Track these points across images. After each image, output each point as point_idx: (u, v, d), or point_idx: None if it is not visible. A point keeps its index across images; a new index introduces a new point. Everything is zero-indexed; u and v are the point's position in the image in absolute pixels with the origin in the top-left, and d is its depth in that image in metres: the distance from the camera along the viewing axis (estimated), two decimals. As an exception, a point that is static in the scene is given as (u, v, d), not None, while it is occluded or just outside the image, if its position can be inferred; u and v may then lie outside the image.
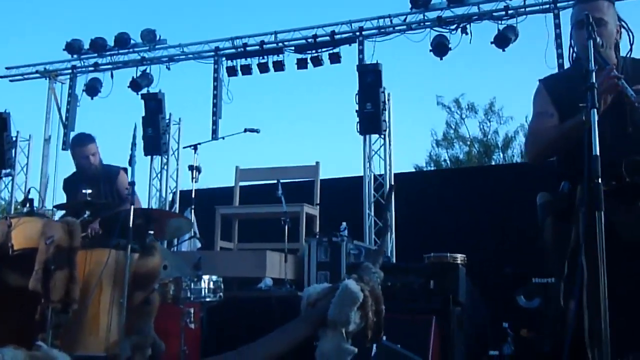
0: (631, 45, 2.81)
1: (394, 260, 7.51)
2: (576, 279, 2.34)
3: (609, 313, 2.11)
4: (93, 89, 10.48)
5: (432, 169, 30.34)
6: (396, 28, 9.00)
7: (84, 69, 10.70)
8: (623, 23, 2.81)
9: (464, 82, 41.41)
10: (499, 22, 8.43)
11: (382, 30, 9.04)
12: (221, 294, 4.43)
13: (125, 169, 5.18)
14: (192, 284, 4.24)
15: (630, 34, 2.80)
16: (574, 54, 2.92)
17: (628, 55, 2.82)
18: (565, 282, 2.56)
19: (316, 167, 7.62)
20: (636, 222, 2.48)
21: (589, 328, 2.36)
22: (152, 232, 3.92)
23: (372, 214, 8.42)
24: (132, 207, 3.70)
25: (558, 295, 2.60)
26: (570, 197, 2.64)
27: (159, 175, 10.18)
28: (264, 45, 9.59)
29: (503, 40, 8.35)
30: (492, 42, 8.41)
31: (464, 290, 4.92)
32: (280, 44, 9.57)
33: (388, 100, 8.56)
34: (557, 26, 8.10)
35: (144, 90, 10.13)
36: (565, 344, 2.29)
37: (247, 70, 9.65)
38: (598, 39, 2.46)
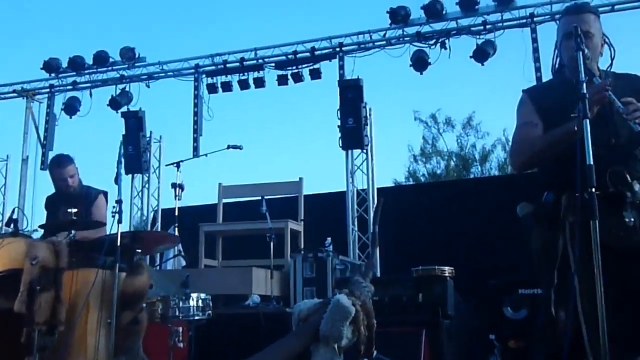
0: (612, 59, 2.86)
1: (379, 275, 7.50)
2: (570, 288, 2.35)
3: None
4: (71, 107, 10.38)
5: (412, 183, 30.47)
6: (376, 43, 9.05)
7: (62, 88, 10.61)
8: (606, 38, 2.86)
9: (442, 96, 41.76)
10: (478, 36, 8.52)
11: (362, 45, 9.08)
12: (210, 311, 4.40)
13: (104, 193, 5.14)
14: (181, 302, 4.20)
15: (611, 48, 2.85)
16: (557, 65, 2.95)
17: (608, 69, 2.86)
18: (555, 292, 2.57)
19: (299, 182, 7.61)
20: (621, 230, 2.50)
21: (587, 336, 2.37)
22: (139, 250, 3.89)
23: (356, 228, 8.42)
24: (120, 226, 3.66)
25: (547, 304, 2.61)
26: (555, 207, 2.66)
27: (140, 194, 10.11)
28: (244, 62, 9.59)
29: (482, 54, 8.43)
30: (471, 57, 8.49)
31: (452, 302, 4.93)
32: (260, 61, 9.57)
33: (369, 115, 8.59)
34: (535, 40, 8.21)
35: (124, 109, 10.06)
36: (562, 354, 2.30)
37: (227, 87, 9.64)
38: (586, 51, 2.49)
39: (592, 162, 2.18)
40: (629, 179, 2.56)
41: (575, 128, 2.32)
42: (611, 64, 2.87)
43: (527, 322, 5.16)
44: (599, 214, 2.20)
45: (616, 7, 7.97)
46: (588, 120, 2.26)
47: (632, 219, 2.51)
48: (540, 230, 2.76)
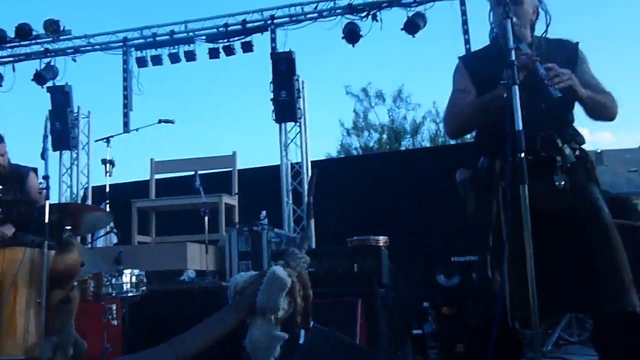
0: (547, 26, 2.90)
1: (314, 246, 7.54)
2: (502, 251, 2.42)
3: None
4: (-7, 83, 9.99)
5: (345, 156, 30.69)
6: (307, 16, 9.01)
7: (-18, 63, 10.18)
8: (542, 4, 2.89)
9: (374, 69, 41.99)
10: (408, 9, 8.58)
11: (294, 18, 9.03)
12: (144, 288, 4.35)
13: (35, 169, 4.97)
14: (114, 280, 4.13)
15: (547, 15, 2.89)
16: (494, 31, 2.99)
17: (543, 35, 2.91)
18: (491, 255, 2.63)
19: (233, 157, 7.56)
20: (552, 193, 2.58)
21: (510, 299, 2.44)
22: (68, 227, 3.78)
23: (291, 201, 8.44)
24: (48, 202, 3.55)
25: (484, 267, 2.67)
26: (490, 172, 2.71)
27: (69, 171, 9.85)
28: (174, 35, 9.42)
29: (413, 26, 8.49)
30: (402, 29, 8.54)
31: (386, 272, 4.99)
32: (191, 34, 9.41)
33: (302, 87, 8.58)
34: (464, 13, 8.35)
35: (50, 83, 9.75)
36: (495, 315, 2.36)
37: (157, 60, 9.46)
38: (514, 18, 2.53)
39: (521, 128, 2.23)
40: (559, 143, 2.62)
41: (504, 94, 2.37)
42: (546, 30, 2.92)
43: (459, 289, 5.28)
44: (530, 178, 2.25)
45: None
46: (517, 86, 2.30)
47: (562, 182, 2.58)
48: (476, 195, 2.81)
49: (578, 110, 2.77)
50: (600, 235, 2.57)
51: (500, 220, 2.57)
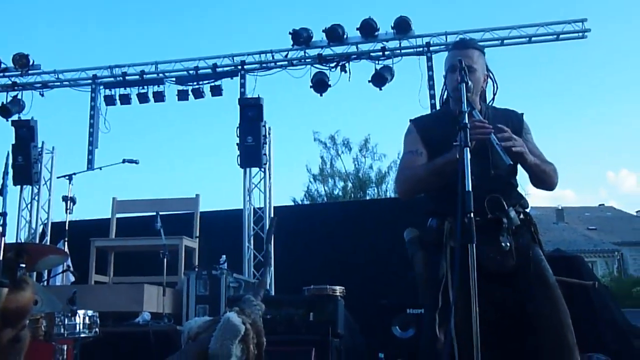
0: (494, 94, 3.04)
1: (273, 293, 7.54)
2: (448, 311, 2.48)
3: (479, 338, 2.25)
4: (-43, 114, 9.88)
5: (309, 203, 30.79)
6: (278, 63, 9.16)
7: (-53, 93, 10.08)
8: (490, 73, 3.03)
9: (341, 118, 42.63)
10: (377, 62, 8.78)
11: (264, 64, 9.16)
12: (97, 329, 4.30)
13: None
14: (66, 320, 4.08)
15: (495, 84, 3.03)
16: (444, 97, 3.11)
17: (490, 103, 3.04)
18: (440, 314, 2.68)
19: (196, 199, 7.57)
20: (498, 254, 2.66)
21: (458, 356, 2.49)
22: (23, 265, 3.75)
23: (252, 247, 8.42)
24: (3, 239, 3.52)
25: (431, 326, 2.72)
26: (438, 232, 2.79)
27: (29, 206, 9.71)
28: (144, 75, 9.46)
29: (380, 79, 8.69)
30: (369, 81, 8.73)
31: (342, 321, 5.02)
32: (161, 75, 9.46)
33: (269, 134, 8.65)
34: (430, 68, 8.56)
35: (15, 117, 9.68)
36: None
37: (126, 99, 9.46)
38: (470, 84, 2.64)
39: (470, 189, 2.31)
40: (505, 205, 2.72)
41: (457, 157, 2.46)
42: (493, 98, 3.05)
43: (414, 341, 5.32)
44: (477, 239, 2.33)
45: (505, 41, 8.45)
46: (468, 149, 2.39)
47: (508, 244, 2.67)
48: (425, 254, 2.88)
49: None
50: (544, 295, 2.65)
51: (447, 280, 2.64)
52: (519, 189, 2.93)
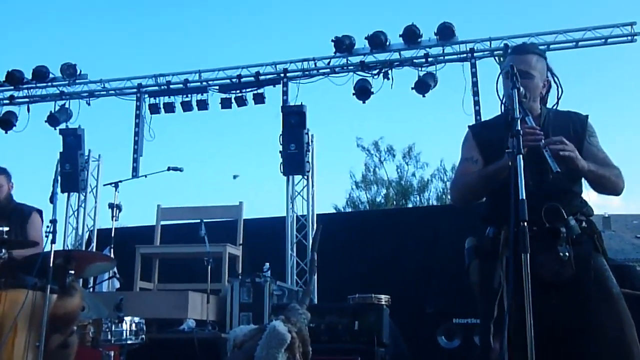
0: (558, 98, 2.95)
1: (316, 301, 7.51)
2: (503, 321, 2.41)
3: (535, 350, 2.19)
4: (7, 122, 10.10)
5: (351, 210, 30.73)
6: (320, 71, 9.17)
7: (-2, 102, 10.34)
8: (555, 78, 2.94)
9: (384, 125, 42.37)
10: (419, 68, 8.72)
11: (306, 72, 9.18)
12: (143, 336, 4.33)
13: (39, 211, 5.00)
14: (113, 326, 4.12)
15: (559, 88, 2.94)
16: (504, 103, 3.03)
17: (553, 108, 2.95)
18: (494, 324, 2.62)
19: (239, 206, 7.58)
20: (556, 264, 2.58)
21: None
22: (72, 271, 3.79)
23: (295, 254, 8.41)
24: (53, 246, 3.57)
25: (487, 336, 2.66)
26: (494, 241, 2.73)
27: (75, 213, 9.87)
28: (188, 84, 9.56)
29: (423, 86, 8.62)
30: (412, 88, 8.66)
31: (387, 330, 4.96)
32: (204, 83, 9.55)
33: (312, 141, 8.65)
34: (474, 75, 8.46)
35: (63, 125, 9.87)
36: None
37: (170, 108, 9.57)
38: (522, 90, 2.57)
39: (524, 197, 2.25)
40: (564, 214, 2.64)
41: (509, 164, 2.40)
42: (557, 103, 2.96)
43: (460, 352, 5.24)
44: (533, 248, 2.26)
45: (551, 46, 8.31)
46: (521, 156, 2.33)
47: (567, 253, 2.59)
48: (480, 263, 2.82)
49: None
50: (606, 306, 2.56)
51: (503, 290, 2.58)
52: (583, 195, 2.83)
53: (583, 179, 2.79)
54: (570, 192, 2.76)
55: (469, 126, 3.04)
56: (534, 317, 2.24)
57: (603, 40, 8.27)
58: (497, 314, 2.58)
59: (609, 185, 2.76)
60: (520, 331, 2.26)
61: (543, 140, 2.56)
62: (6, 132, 10.18)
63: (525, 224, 2.24)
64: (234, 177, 7.47)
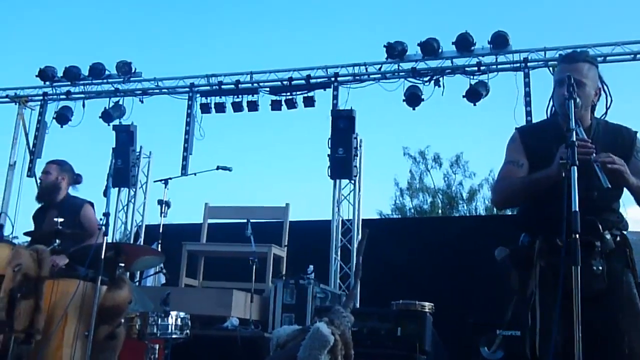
0: (607, 108, 2.90)
1: (358, 306, 7.50)
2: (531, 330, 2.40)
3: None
4: (63, 117, 10.37)
5: (397, 216, 30.57)
6: (371, 76, 9.15)
7: (55, 97, 10.58)
8: (605, 86, 2.89)
9: (433, 132, 41.93)
10: (471, 77, 8.64)
11: (357, 77, 9.17)
12: (188, 331, 4.38)
13: (90, 203, 5.13)
14: (160, 320, 4.18)
15: (609, 97, 2.89)
16: (552, 108, 2.99)
17: (602, 117, 2.91)
18: (528, 333, 2.61)
19: (286, 208, 7.63)
20: (588, 277, 2.55)
21: None
22: (122, 264, 3.87)
23: (339, 258, 8.42)
24: (106, 238, 3.65)
25: (523, 345, 2.64)
26: (529, 250, 2.70)
27: (125, 208, 10.06)
28: (239, 85, 9.65)
29: (474, 94, 8.54)
30: (463, 96, 8.59)
31: (430, 338, 4.94)
32: (255, 84, 9.63)
33: (360, 146, 8.65)
34: (527, 84, 8.32)
35: (116, 122, 10.07)
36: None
37: (220, 108, 9.67)
38: (578, 100, 2.54)
39: (577, 209, 2.23)
40: (600, 229, 2.61)
41: (556, 174, 2.39)
42: (606, 113, 2.92)
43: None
44: (568, 260, 2.24)
45: (608, 58, 8.15)
46: (575, 168, 2.30)
47: (600, 267, 2.57)
48: (518, 272, 2.80)
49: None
50: (632, 323, 2.54)
51: (536, 300, 2.56)
52: (621, 210, 2.79)
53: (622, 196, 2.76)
54: (608, 208, 2.73)
55: (517, 128, 3.00)
56: (567, 328, 2.23)
57: (663, 53, 8.08)
58: (530, 323, 2.57)
59: None
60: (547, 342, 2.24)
61: (594, 155, 2.52)
62: (62, 127, 10.46)
63: (577, 236, 2.22)
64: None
